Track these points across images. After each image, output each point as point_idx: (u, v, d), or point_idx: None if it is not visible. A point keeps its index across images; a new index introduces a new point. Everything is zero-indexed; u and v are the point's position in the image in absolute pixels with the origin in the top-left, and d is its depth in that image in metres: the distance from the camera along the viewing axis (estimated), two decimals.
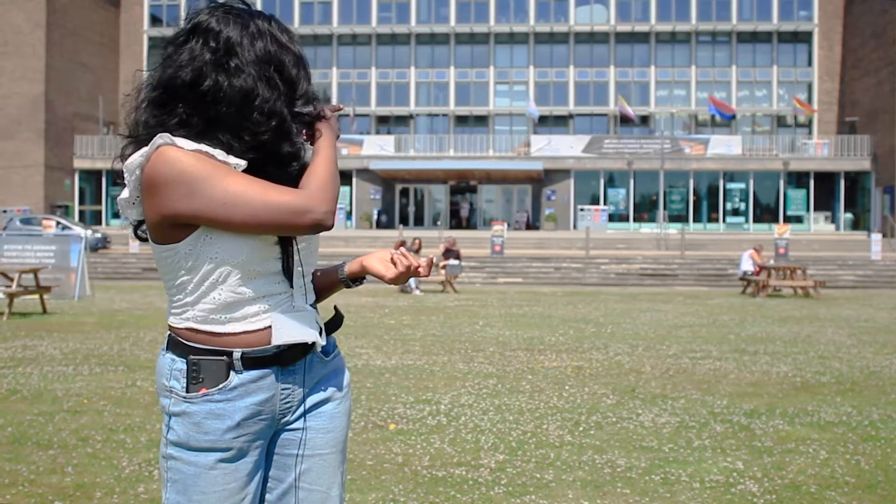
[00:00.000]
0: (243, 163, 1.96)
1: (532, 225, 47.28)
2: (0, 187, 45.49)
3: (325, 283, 2.24)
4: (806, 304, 19.98)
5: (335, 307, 2.28)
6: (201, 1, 2.12)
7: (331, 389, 2.14)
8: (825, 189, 46.68)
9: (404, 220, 46.47)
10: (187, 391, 1.99)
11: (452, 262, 24.80)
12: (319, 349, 2.09)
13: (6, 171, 45.67)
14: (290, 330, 2.00)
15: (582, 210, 45.80)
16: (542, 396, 7.68)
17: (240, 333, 1.99)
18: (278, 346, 2.01)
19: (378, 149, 47.97)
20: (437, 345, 11.42)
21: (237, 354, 1.98)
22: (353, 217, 47.48)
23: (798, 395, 7.92)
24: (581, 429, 6.41)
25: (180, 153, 1.90)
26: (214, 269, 1.97)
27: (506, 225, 34.91)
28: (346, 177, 48.01)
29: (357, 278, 2.23)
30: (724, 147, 46.96)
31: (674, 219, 45.09)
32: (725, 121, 48.99)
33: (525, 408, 7.17)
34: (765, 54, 51.20)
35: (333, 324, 2.19)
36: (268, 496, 2.09)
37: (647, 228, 45.38)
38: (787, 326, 14.37)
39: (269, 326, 2.00)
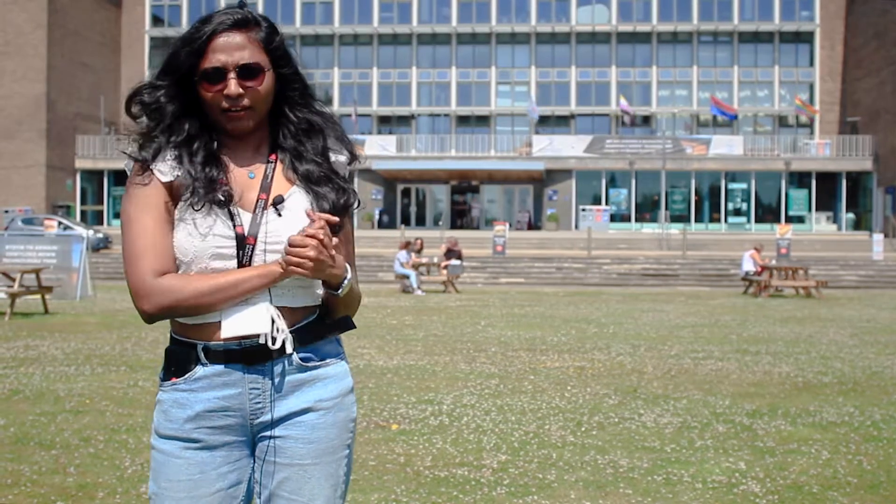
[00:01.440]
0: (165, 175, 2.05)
1: (534, 225, 47.26)
2: (1, 187, 45.51)
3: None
4: (808, 304, 19.97)
5: (330, 316, 2.15)
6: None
7: (312, 399, 2.06)
8: (827, 189, 46.64)
9: (406, 221, 46.47)
10: (163, 379, 2.07)
11: (454, 262, 24.80)
12: (291, 351, 2.03)
13: (8, 171, 45.70)
14: (237, 324, 2.00)
15: (584, 210, 45.79)
16: (545, 397, 7.68)
17: (201, 325, 2.02)
18: (240, 343, 2.01)
19: (380, 149, 47.97)
20: (439, 345, 11.42)
21: (200, 346, 2.02)
22: (356, 217, 47.30)
23: (800, 395, 7.92)
24: (583, 429, 6.41)
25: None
26: (177, 252, 2.02)
27: (507, 225, 34.90)
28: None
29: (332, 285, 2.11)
30: (725, 147, 46.94)
31: (675, 219, 45.06)
32: (727, 121, 48.94)
33: (527, 408, 7.17)
34: (766, 54, 51.17)
35: (318, 329, 2.10)
36: (257, 501, 2.10)
37: (648, 228, 45.36)
38: (789, 327, 14.37)
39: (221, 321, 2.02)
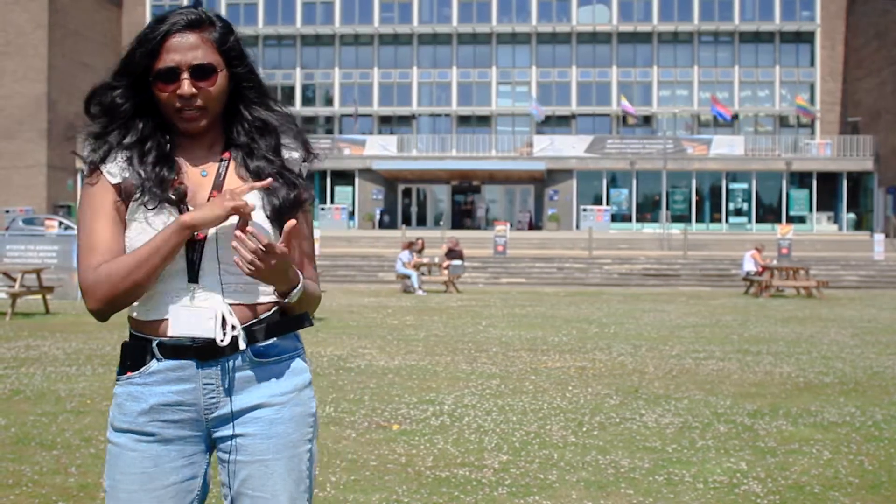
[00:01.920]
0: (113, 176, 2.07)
1: (535, 225, 47.27)
2: (2, 187, 45.55)
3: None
4: (809, 304, 19.96)
5: (287, 313, 2.16)
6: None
7: (266, 394, 2.08)
8: (828, 189, 46.64)
9: (407, 221, 46.47)
10: (119, 374, 2.11)
11: (455, 262, 24.80)
12: (245, 347, 2.04)
13: (8, 171, 45.72)
14: (182, 325, 2.02)
15: (584, 210, 45.79)
16: (546, 397, 7.68)
17: (154, 322, 2.05)
18: (193, 339, 2.03)
19: (380, 149, 47.99)
20: (440, 345, 11.42)
21: (155, 342, 2.05)
22: (356, 217, 47.50)
23: (801, 395, 7.92)
24: (584, 429, 6.41)
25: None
26: (129, 249, 2.06)
27: (508, 225, 34.91)
28: (348, 177, 48.10)
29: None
30: (726, 147, 46.95)
31: (676, 219, 45.05)
32: (725, 121, 49.03)
33: (528, 408, 7.17)
34: (767, 54, 51.18)
35: (274, 326, 2.10)
36: (224, 502, 2.11)
37: (649, 229, 45.35)
38: (790, 327, 14.36)
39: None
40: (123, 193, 2.06)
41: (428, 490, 4.86)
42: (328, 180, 48.26)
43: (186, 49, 2.02)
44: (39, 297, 15.54)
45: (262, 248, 1.94)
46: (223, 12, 52.47)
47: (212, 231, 2.04)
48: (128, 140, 2.08)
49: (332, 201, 47.77)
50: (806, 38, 50.78)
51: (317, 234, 31.70)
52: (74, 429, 6.21)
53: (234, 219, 2.01)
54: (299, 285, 2.08)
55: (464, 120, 52.89)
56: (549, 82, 52.10)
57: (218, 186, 2.08)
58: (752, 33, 50.94)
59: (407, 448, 5.78)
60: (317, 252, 22.68)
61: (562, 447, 5.86)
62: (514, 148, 49.08)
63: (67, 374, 8.57)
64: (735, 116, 50.53)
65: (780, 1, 50.48)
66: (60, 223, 34.51)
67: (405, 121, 53.02)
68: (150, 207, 2.03)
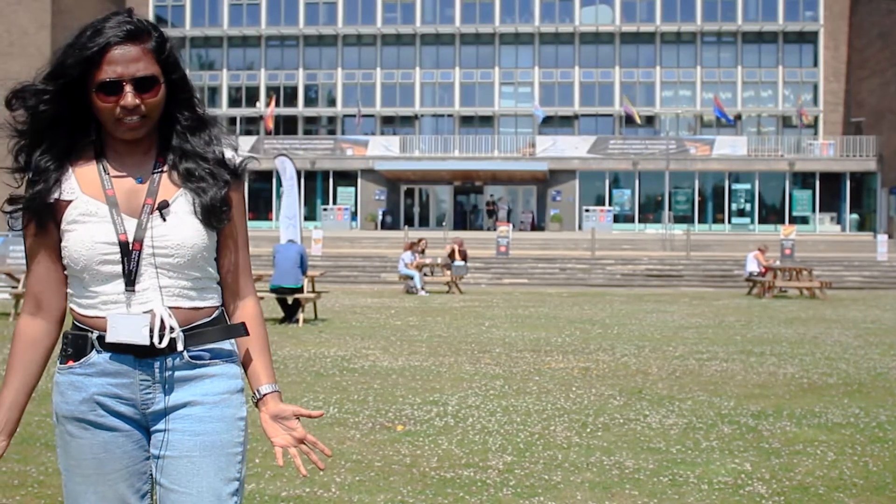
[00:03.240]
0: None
1: (537, 226, 47.25)
2: (4, 188, 45.56)
3: (246, 362, 2.23)
4: (812, 305, 19.95)
5: (236, 321, 2.23)
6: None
7: (199, 393, 2.12)
8: (831, 190, 46.59)
9: (409, 221, 46.47)
10: (60, 363, 2.17)
11: (458, 262, 24.80)
12: (182, 349, 2.09)
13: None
14: (119, 332, 2.07)
15: (587, 211, 45.76)
16: (550, 398, 7.69)
17: (94, 318, 2.12)
18: None
19: (383, 149, 47.98)
20: (444, 346, 11.42)
21: (94, 335, 2.11)
22: (359, 218, 47.50)
23: (805, 396, 7.92)
24: (588, 430, 6.41)
25: None
26: (69, 265, 2.14)
27: (511, 225, 34.88)
28: (351, 177, 48.09)
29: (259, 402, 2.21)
30: (729, 148, 46.91)
31: (679, 219, 45.00)
32: (727, 122, 49.00)
33: (532, 409, 7.17)
34: (770, 55, 51.13)
35: (211, 333, 2.16)
36: (157, 498, 2.15)
37: (652, 229, 45.30)
38: (794, 327, 14.36)
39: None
40: (56, 213, 2.12)
41: (433, 491, 4.86)
42: (331, 181, 48.27)
43: (129, 61, 2.04)
44: None
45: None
46: (226, 13, 52.74)
47: (147, 239, 2.08)
48: (44, 148, 2.13)
49: (334, 202, 47.77)
50: (809, 38, 50.72)
51: (319, 234, 31.74)
52: None
53: (176, 228, 2.11)
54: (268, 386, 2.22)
55: (466, 120, 52.87)
56: (552, 83, 52.07)
57: (153, 193, 2.12)
58: (755, 33, 50.89)
59: (411, 449, 5.78)
60: (319, 252, 22.62)
61: (566, 448, 5.86)
62: (517, 148, 49.06)
63: None
64: (738, 117, 50.49)
65: (783, 1, 50.42)
66: None
67: (408, 121, 53.01)
68: (21, 226, 2.15)
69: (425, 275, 23.83)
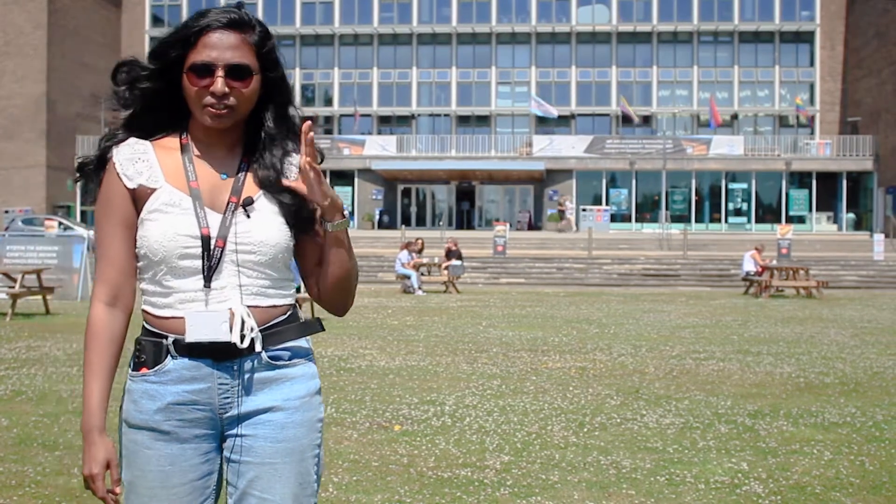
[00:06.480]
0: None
1: (534, 225, 47.27)
2: (2, 188, 45.54)
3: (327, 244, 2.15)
4: (809, 304, 19.97)
5: (312, 317, 2.21)
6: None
7: (280, 398, 2.08)
8: (827, 189, 46.65)
9: (406, 221, 46.47)
10: (132, 369, 2.10)
11: (455, 262, 24.80)
12: (260, 350, 2.05)
13: (8, 171, 45.71)
14: (198, 329, 2.02)
15: (584, 210, 45.80)
16: (547, 397, 7.69)
17: (171, 319, 2.05)
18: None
19: (380, 149, 47.98)
20: (441, 345, 11.42)
21: (170, 339, 2.04)
22: (356, 217, 47.49)
23: (802, 395, 7.93)
24: (586, 430, 6.41)
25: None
26: (146, 256, 2.06)
27: (508, 225, 34.91)
28: (348, 177, 48.08)
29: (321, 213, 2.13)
30: (726, 147, 46.95)
31: (676, 219, 45.06)
32: (727, 121, 48.99)
33: (529, 409, 7.18)
34: (767, 54, 51.19)
35: (288, 330, 2.12)
36: (229, 501, 2.11)
37: (649, 229, 45.35)
38: (791, 327, 14.37)
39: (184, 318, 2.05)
40: (137, 197, 2.07)
41: (430, 491, 4.87)
42: (328, 180, 48.15)
43: (225, 47, 2.02)
44: (40, 297, 15.54)
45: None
46: None
47: (231, 235, 2.04)
48: (137, 134, 2.11)
49: None
50: (805, 37, 50.79)
51: None
52: (76, 429, 6.20)
53: (261, 226, 2.07)
54: (345, 213, 2.11)
55: (463, 120, 52.90)
56: (549, 82, 52.10)
57: (237, 191, 2.08)
58: (751, 33, 50.95)
59: (409, 449, 5.79)
60: None
61: (563, 448, 5.87)
62: (514, 148, 49.07)
63: (69, 375, 8.57)
64: (734, 116, 50.57)
65: (779, 1, 50.50)
66: (60, 223, 34.53)
67: (404, 121, 53.02)
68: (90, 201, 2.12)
69: (422, 274, 23.83)
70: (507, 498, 4.77)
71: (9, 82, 45.91)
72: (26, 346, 10.82)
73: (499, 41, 52.44)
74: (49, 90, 45.97)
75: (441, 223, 45.21)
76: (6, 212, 41.49)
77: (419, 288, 22.66)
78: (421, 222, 48.52)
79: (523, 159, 47.42)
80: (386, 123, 53.32)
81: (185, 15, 53.20)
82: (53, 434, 6.07)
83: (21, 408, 6.99)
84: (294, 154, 2.15)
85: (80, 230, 31.49)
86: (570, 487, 4.96)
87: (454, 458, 5.56)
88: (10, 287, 15.22)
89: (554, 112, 46.98)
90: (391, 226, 46.20)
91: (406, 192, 49.51)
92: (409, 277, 22.89)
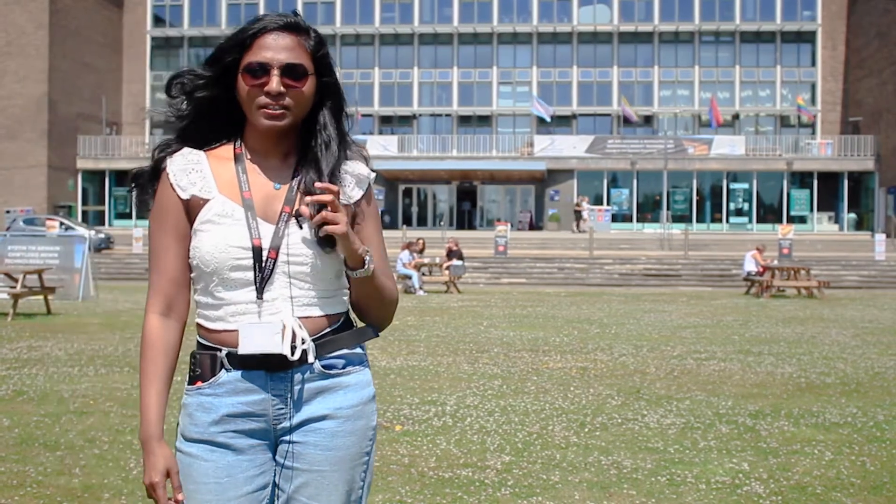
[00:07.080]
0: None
1: (535, 225, 47.26)
2: (3, 188, 45.54)
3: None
4: (810, 304, 19.96)
5: (357, 322, 2.21)
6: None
7: (332, 406, 2.08)
8: (829, 189, 46.62)
9: (408, 221, 46.47)
10: (188, 383, 2.10)
11: (456, 262, 24.80)
12: (313, 360, 2.05)
13: (9, 171, 45.72)
14: (252, 341, 2.01)
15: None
16: (548, 397, 7.69)
17: (224, 332, 2.05)
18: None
19: (381, 149, 47.95)
20: (442, 346, 11.43)
21: (224, 352, 2.04)
22: None
23: (803, 395, 7.93)
24: (587, 430, 6.42)
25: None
26: (198, 267, 2.06)
27: (509, 225, 34.91)
28: None
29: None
30: (727, 147, 46.92)
31: (677, 219, 45.02)
32: (728, 121, 48.93)
33: (530, 409, 7.18)
34: (768, 54, 51.15)
35: (341, 339, 2.11)
36: (276, 503, 2.11)
37: (650, 229, 45.32)
38: (792, 327, 14.37)
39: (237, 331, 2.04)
40: (191, 207, 2.07)
41: (431, 491, 4.87)
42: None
43: (280, 48, 2.03)
44: (41, 297, 15.55)
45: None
46: (224, 13, 52.68)
47: (283, 247, 2.04)
48: (191, 143, 2.11)
49: None
50: (807, 37, 50.74)
51: None
52: (78, 430, 6.22)
53: (304, 234, 2.05)
54: (368, 258, 2.06)
55: (464, 120, 52.87)
56: (550, 82, 52.07)
57: (290, 201, 2.07)
58: (753, 33, 50.91)
59: (410, 449, 5.79)
60: None
61: (564, 448, 5.87)
62: (515, 148, 49.05)
63: (70, 375, 8.58)
64: (736, 116, 50.53)
65: (781, 1, 50.46)
66: (61, 223, 34.55)
67: (406, 121, 53.01)
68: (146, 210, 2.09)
69: (423, 274, 23.83)
70: (508, 498, 4.77)
71: (10, 82, 45.91)
72: (27, 346, 10.83)
73: (500, 41, 52.41)
74: (50, 90, 45.97)
75: (442, 223, 45.20)
76: (7, 212, 41.50)
77: (420, 288, 22.66)
78: (422, 222, 48.51)
79: (524, 159, 47.40)
80: (387, 123, 53.31)
81: (186, 15, 53.39)
82: (55, 434, 6.07)
83: (22, 408, 7.00)
84: (348, 162, 2.15)
85: (82, 230, 31.50)
86: (571, 487, 4.96)
87: (455, 459, 5.56)
88: (11, 287, 15.23)
89: (547, 115, 46.94)
90: (392, 226, 46.18)
91: (407, 192, 49.50)
92: (410, 277, 22.89)
